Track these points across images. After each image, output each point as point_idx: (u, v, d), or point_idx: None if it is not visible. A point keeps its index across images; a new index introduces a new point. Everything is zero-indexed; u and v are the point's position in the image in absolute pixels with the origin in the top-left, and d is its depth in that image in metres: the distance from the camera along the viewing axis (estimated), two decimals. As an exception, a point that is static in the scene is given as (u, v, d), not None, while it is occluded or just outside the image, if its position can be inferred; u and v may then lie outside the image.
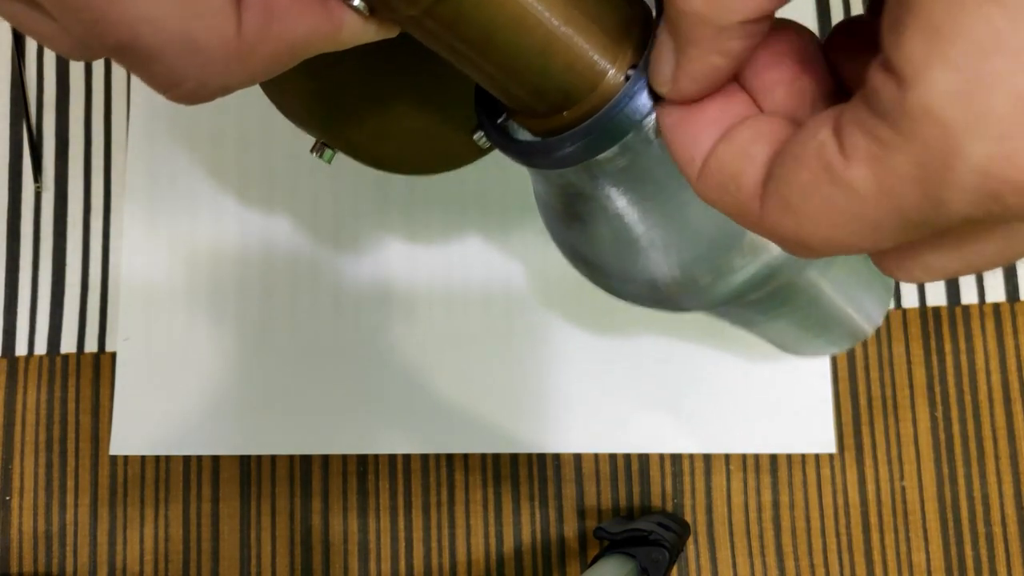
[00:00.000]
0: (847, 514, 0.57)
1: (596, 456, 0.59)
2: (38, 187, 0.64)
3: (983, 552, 0.56)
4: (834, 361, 0.58)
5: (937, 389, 0.57)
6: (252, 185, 0.63)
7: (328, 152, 0.38)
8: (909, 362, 0.58)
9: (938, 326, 0.58)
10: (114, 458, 0.62)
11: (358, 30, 0.24)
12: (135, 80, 0.64)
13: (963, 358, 0.58)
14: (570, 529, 0.59)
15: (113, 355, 0.63)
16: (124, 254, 0.63)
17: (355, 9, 0.23)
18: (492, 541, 0.59)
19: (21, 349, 0.63)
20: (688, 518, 0.58)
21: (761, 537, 0.57)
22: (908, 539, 0.57)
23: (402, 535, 0.60)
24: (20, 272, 0.64)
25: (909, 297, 0.58)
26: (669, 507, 0.58)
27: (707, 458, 0.58)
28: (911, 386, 0.58)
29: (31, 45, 0.65)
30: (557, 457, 0.59)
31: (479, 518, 0.60)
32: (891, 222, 0.17)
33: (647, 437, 0.59)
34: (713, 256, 0.29)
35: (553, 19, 0.22)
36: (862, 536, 0.57)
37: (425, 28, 0.23)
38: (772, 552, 0.57)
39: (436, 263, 0.61)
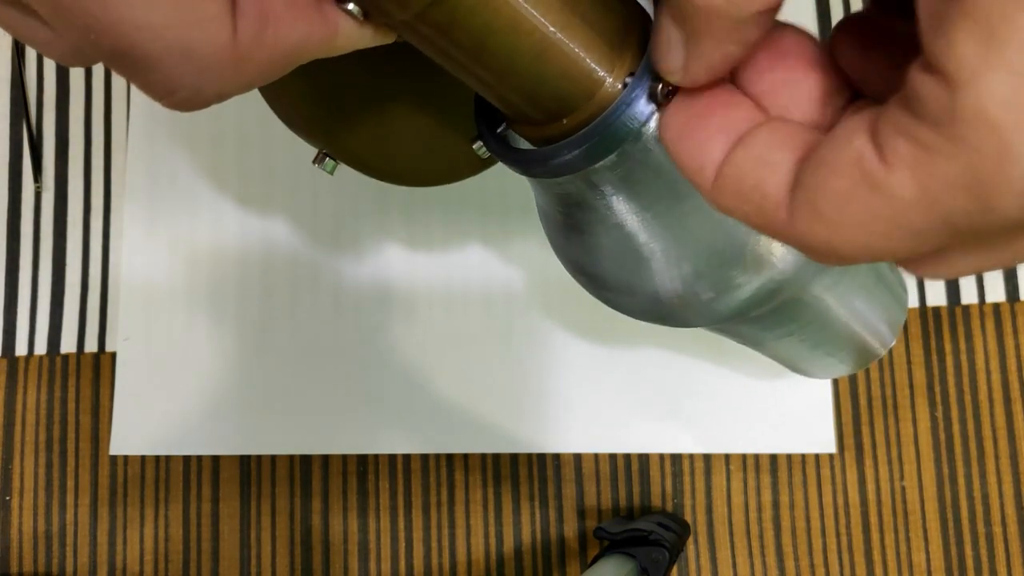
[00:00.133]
0: (847, 514, 0.57)
1: (596, 456, 0.59)
2: (38, 187, 0.64)
3: (983, 552, 0.56)
4: (834, 361, 0.58)
5: (937, 389, 0.57)
6: (252, 185, 0.63)
7: (330, 162, 0.38)
8: (909, 362, 0.58)
9: (938, 326, 0.58)
10: (114, 458, 0.62)
11: (353, 35, 0.24)
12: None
13: (963, 358, 0.57)
14: (570, 529, 0.59)
15: (113, 355, 0.63)
16: (124, 254, 0.63)
17: (349, 14, 0.23)
18: (492, 541, 0.59)
19: (21, 349, 0.63)
20: (688, 518, 0.58)
21: (761, 537, 0.57)
22: (908, 539, 0.57)
23: (402, 535, 0.60)
24: (20, 272, 0.64)
25: (909, 297, 0.58)
26: (669, 507, 0.58)
27: (707, 458, 0.58)
28: (911, 386, 0.58)
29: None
30: (557, 457, 0.59)
31: (479, 518, 0.60)
32: (934, 228, 0.16)
33: (647, 437, 0.59)
34: (716, 269, 0.28)
35: (549, 25, 0.22)
36: (862, 536, 0.57)
37: (419, 33, 0.23)
38: (772, 552, 0.57)
39: (436, 263, 0.61)
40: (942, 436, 0.57)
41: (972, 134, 0.15)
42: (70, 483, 0.62)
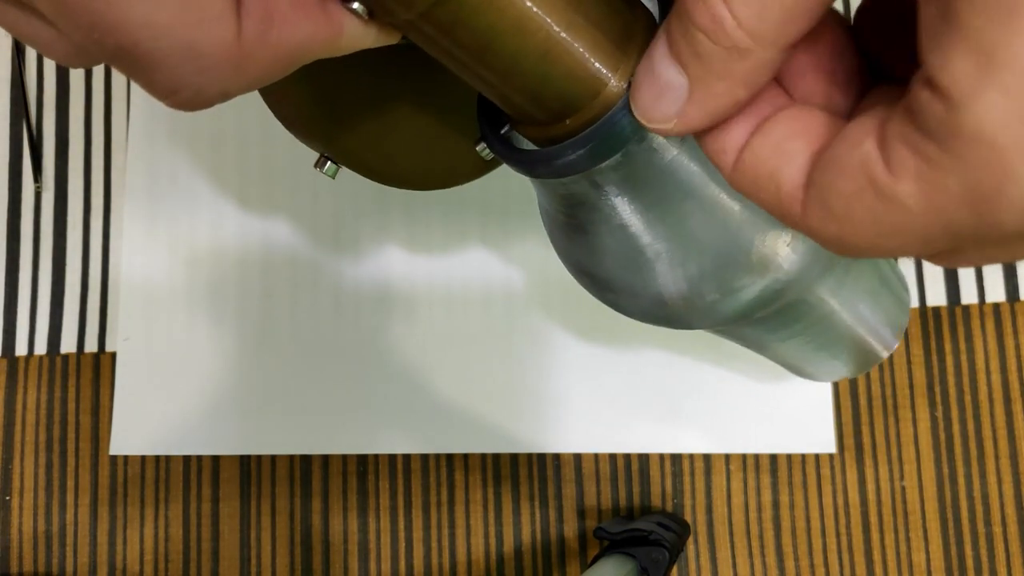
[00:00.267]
0: (847, 514, 0.57)
1: (596, 456, 0.59)
2: (38, 187, 0.64)
3: (983, 552, 0.56)
4: (834, 361, 0.58)
5: (937, 389, 0.57)
6: (252, 185, 0.63)
7: (331, 166, 0.37)
8: (909, 362, 0.58)
9: (938, 326, 0.58)
10: (114, 458, 0.62)
11: (357, 35, 0.24)
12: (135, 80, 0.64)
13: (963, 358, 0.57)
14: (570, 529, 0.59)
15: (113, 355, 0.63)
16: (124, 254, 0.63)
17: (354, 13, 0.23)
18: (492, 541, 0.59)
19: (21, 349, 0.63)
20: (688, 518, 0.58)
21: (761, 537, 0.57)
22: (908, 539, 0.57)
23: (402, 535, 0.60)
24: (20, 272, 0.64)
25: (910, 297, 0.58)
26: (669, 507, 0.58)
27: (707, 458, 0.58)
28: (911, 386, 0.58)
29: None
30: (557, 457, 0.59)
31: (479, 518, 0.60)
32: (939, 235, 0.17)
33: (647, 437, 0.59)
34: (721, 270, 0.28)
35: (554, 24, 0.22)
36: (862, 536, 0.57)
37: (423, 33, 0.23)
38: (772, 552, 0.57)
39: (436, 263, 0.61)
40: (942, 436, 0.57)
41: (971, 153, 0.15)
42: (70, 483, 0.62)
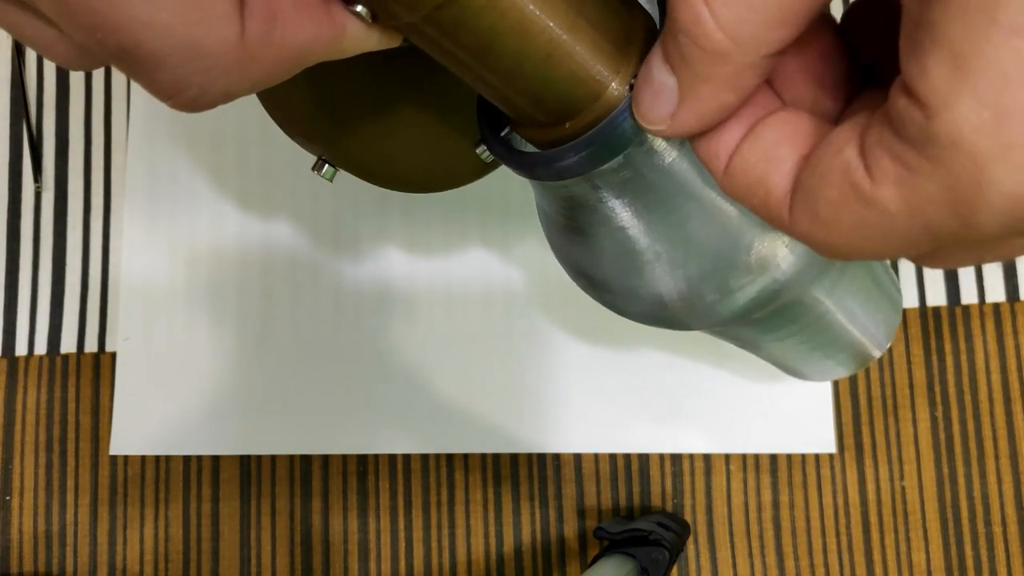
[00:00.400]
0: (847, 514, 0.57)
1: (596, 456, 0.59)
2: (38, 187, 0.64)
3: (983, 552, 0.56)
4: (834, 361, 0.58)
5: (937, 389, 0.57)
6: (252, 185, 0.63)
7: (329, 169, 0.37)
8: (909, 362, 0.58)
9: (938, 326, 0.58)
10: (114, 458, 0.62)
11: (360, 37, 0.24)
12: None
13: (963, 358, 0.58)
14: (570, 529, 0.59)
15: (113, 355, 0.63)
16: (124, 254, 0.63)
17: (358, 16, 0.23)
18: (492, 541, 0.59)
19: (21, 349, 0.63)
20: (688, 518, 0.58)
21: (761, 537, 0.57)
22: (908, 539, 0.57)
23: (402, 535, 0.60)
24: (20, 272, 0.64)
25: (909, 297, 0.58)
26: (669, 507, 0.58)
27: (707, 458, 0.58)
28: (911, 386, 0.58)
29: (30, 45, 0.65)
30: (557, 457, 0.59)
31: (479, 518, 0.60)
32: (921, 237, 0.17)
33: (647, 437, 0.59)
34: (720, 271, 0.28)
35: (556, 26, 0.22)
36: (862, 536, 0.57)
37: (426, 36, 0.23)
38: (772, 552, 0.57)
39: (436, 263, 0.61)
40: (942, 436, 0.57)
41: (949, 158, 0.16)
42: (70, 483, 0.62)
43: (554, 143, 0.25)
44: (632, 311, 0.31)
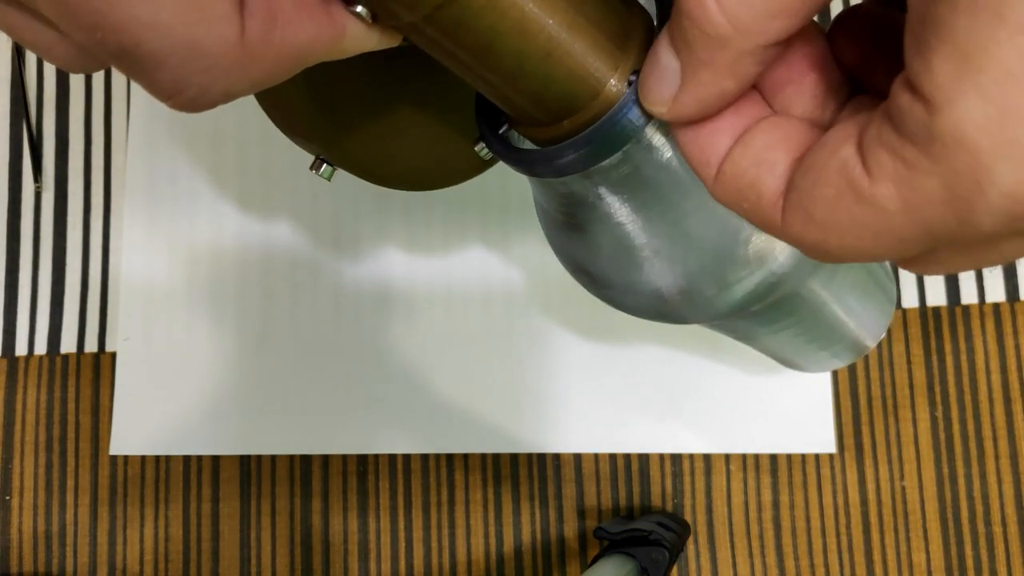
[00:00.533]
0: (847, 514, 0.57)
1: (596, 456, 0.59)
2: (38, 187, 0.64)
3: (983, 552, 0.56)
4: (834, 361, 0.58)
5: (937, 389, 0.58)
6: (252, 185, 0.63)
7: (327, 169, 0.37)
8: (909, 362, 0.58)
9: (938, 326, 0.58)
10: (114, 458, 0.62)
11: (360, 38, 0.24)
12: (135, 80, 0.64)
13: (963, 358, 0.58)
14: (570, 529, 0.59)
15: (113, 355, 0.63)
16: (124, 254, 0.63)
17: (358, 16, 0.23)
18: (492, 541, 0.59)
19: (21, 349, 0.63)
20: (688, 518, 0.58)
21: (761, 537, 0.57)
22: (908, 539, 0.57)
23: (402, 535, 0.60)
24: (20, 272, 0.64)
25: (909, 297, 0.58)
26: (669, 507, 0.58)
27: (707, 458, 0.58)
28: (911, 386, 0.58)
29: (30, 45, 0.65)
30: (557, 457, 0.59)
31: (479, 518, 0.60)
32: (917, 237, 0.17)
33: (647, 437, 0.59)
34: (718, 266, 0.28)
35: (555, 25, 0.22)
36: (862, 536, 0.57)
37: (426, 35, 0.23)
38: (772, 552, 0.57)
39: (436, 263, 0.61)
40: (942, 436, 0.57)
41: (951, 155, 0.16)
42: (70, 483, 0.62)
43: (553, 140, 0.25)
44: (631, 306, 0.31)
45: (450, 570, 0.59)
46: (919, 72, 0.16)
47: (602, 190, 0.26)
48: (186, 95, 0.22)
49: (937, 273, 0.20)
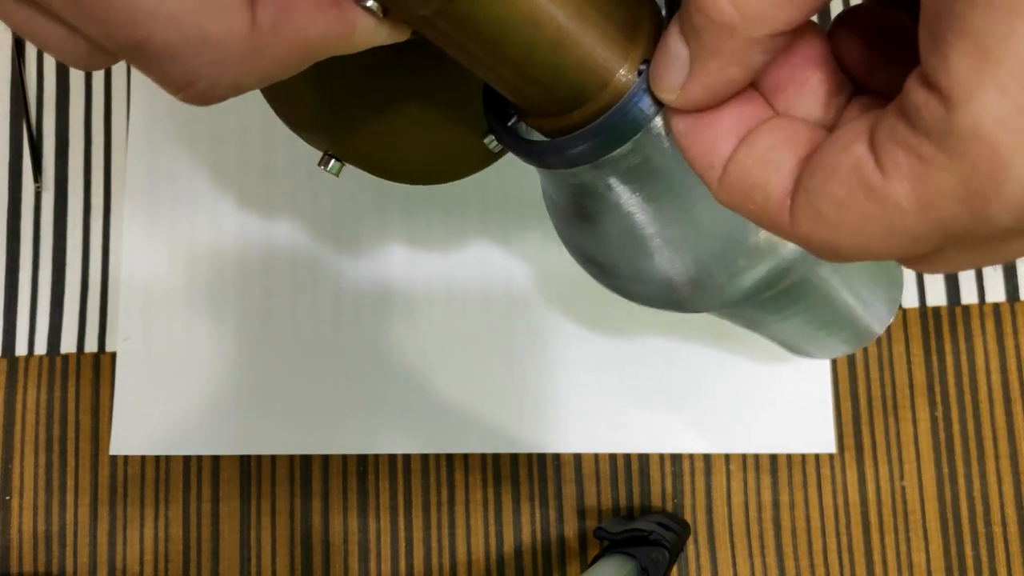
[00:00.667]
0: (847, 514, 0.57)
1: (596, 456, 0.59)
2: (38, 187, 0.64)
3: (983, 552, 0.56)
4: (834, 361, 0.58)
5: (937, 389, 0.58)
6: (252, 185, 0.63)
7: (335, 164, 0.37)
8: (909, 362, 0.58)
9: (938, 326, 0.58)
10: (114, 458, 0.62)
11: (371, 32, 0.24)
12: (135, 80, 0.64)
13: (963, 358, 0.58)
14: (570, 529, 0.59)
15: (113, 355, 0.63)
16: (124, 254, 0.63)
17: (368, 10, 0.23)
18: (492, 541, 0.59)
19: (21, 349, 0.63)
20: (688, 518, 0.58)
21: (761, 537, 0.58)
22: (908, 539, 0.57)
23: (402, 535, 0.60)
24: (20, 272, 0.64)
25: (909, 297, 0.58)
26: (669, 507, 0.58)
27: (707, 458, 0.58)
28: (911, 386, 0.58)
29: (31, 44, 0.65)
30: (557, 457, 0.59)
31: (479, 518, 0.60)
32: (930, 234, 0.17)
33: (647, 437, 0.59)
34: (728, 254, 0.29)
35: (565, 15, 0.22)
36: (862, 536, 0.57)
37: (436, 28, 0.23)
38: (772, 552, 0.57)
39: (436, 263, 0.61)
40: (942, 436, 0.57)
41: (968, 150, 0.16)
42: (70, 483, 0.62)
43: (562, 131, 0.25)
44: (641, 295, 0.31)
45: (450, 570, 0.59)
46: (936, 67, 0.16)
47: (612, 180, 0.26)
48: (196, 88, 0.22)
49: (942, 272, 0.20)
